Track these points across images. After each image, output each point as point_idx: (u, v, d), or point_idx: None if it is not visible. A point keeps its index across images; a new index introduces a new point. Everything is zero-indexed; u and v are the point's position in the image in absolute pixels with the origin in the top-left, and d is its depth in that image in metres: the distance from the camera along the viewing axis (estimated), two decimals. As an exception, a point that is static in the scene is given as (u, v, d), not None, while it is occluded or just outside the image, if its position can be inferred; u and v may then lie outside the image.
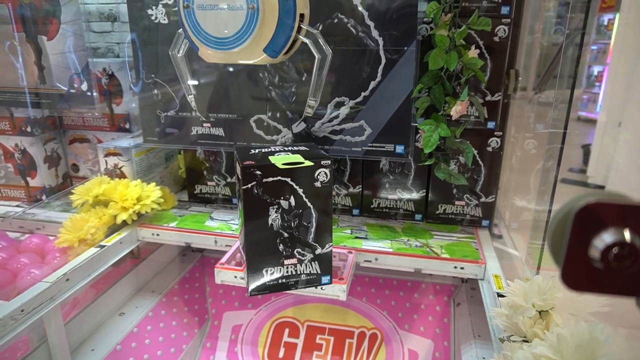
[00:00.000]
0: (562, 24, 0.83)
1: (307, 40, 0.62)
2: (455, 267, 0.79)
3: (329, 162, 0.61)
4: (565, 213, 0.21)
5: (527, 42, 0.93)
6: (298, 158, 0.62)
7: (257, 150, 0.67)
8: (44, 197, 1.08)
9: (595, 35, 3.77)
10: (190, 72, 0.70)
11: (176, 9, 0.86)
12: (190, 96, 0.71)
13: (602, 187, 2.68)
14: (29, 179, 1.08)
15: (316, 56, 0.60)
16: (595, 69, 3.89)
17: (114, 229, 0.90)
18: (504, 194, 0.98)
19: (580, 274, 0.21)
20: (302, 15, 0.61)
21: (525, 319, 0.52)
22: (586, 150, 3.11)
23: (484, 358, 0.77)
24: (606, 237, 0.20)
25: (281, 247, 0.64)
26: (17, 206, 1.08)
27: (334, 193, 0.96)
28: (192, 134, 0.94)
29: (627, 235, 0.20)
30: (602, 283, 0.21)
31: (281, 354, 0.99)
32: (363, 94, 0.84)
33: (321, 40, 0.63)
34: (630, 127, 2.52)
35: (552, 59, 1.03)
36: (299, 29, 0.61)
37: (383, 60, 0.81)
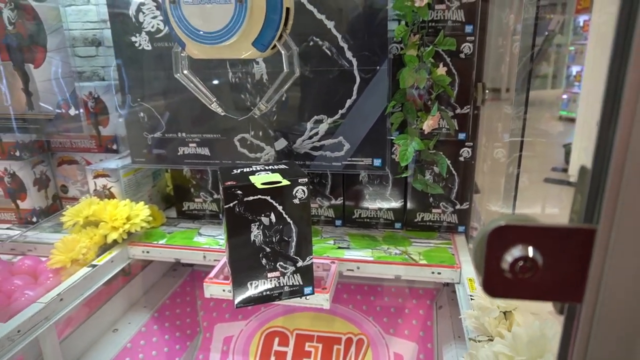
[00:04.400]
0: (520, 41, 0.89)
1: (283, 52, 0.62)
2: (433, 273, 0.83)
3: (306, 180, 0.65)
4: (483, 234, 0.25)
5: (494, 54, 0.98)
6: (277, 177, 0.66)
7: (239, 170, 0.71)
8: (34, 219, 1.11)
9: (573, 36, 3.89)
10: (201, 82, 0.67)
11: (159, 35, 0.90)
12: (213, 104, 0.69)
13: (582, 186, 2.75)
14: (19, 201, 1.11)
15: (285, 69, 0.62)
16: (574, 69, 4.01)
17: (105, 248, 0.93)
18: (481, 198, 1.03)
19: (496, 283, 0.25)
20: (287, 10, 0.61)
21: (491, 320, 0.57)
22: (567, 149, 3.19)
23: (462, 357, 0.81)
24: (514, 253, 0.24)
25: (264, 261, 0.67)
26: (7, 229, 1.10)
27: (316, 205, 1.00)
28: (178, 154, 0.97)
29: (529, 251, 0.24)
30: (514, 290, 0.25)
31: (272, 363, 1.02)
32: (340, 111, 0.88)
33: (295, 59, 0.64)
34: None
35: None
36: (286, 23, 0.61)
37: (358, 80, 0.86)
